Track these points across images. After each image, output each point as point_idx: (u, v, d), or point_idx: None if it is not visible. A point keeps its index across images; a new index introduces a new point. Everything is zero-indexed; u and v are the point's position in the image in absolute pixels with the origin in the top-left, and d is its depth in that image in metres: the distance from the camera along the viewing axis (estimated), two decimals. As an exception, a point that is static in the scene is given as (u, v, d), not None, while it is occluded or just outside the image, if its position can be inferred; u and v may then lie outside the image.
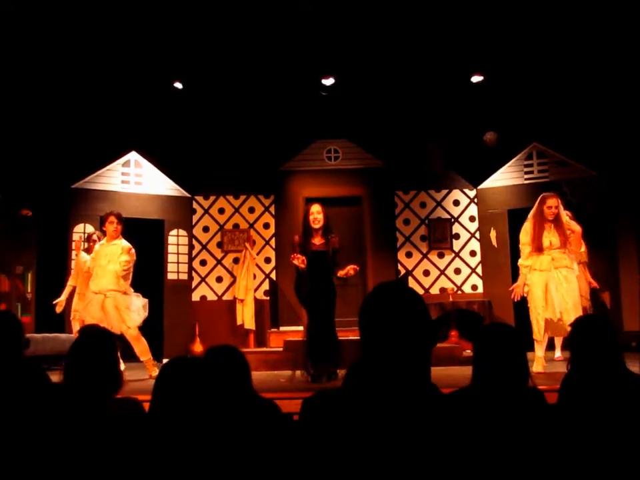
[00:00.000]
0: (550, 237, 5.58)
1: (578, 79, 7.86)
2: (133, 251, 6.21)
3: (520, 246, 5.79)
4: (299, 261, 5.45)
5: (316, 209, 5.59)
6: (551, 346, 6.76)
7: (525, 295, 5.72)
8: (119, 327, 5.88)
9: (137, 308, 6.11)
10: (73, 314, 6.90)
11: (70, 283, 7.10)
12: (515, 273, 8.20)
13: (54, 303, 6.89)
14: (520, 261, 5.75)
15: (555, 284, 5.49)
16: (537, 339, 5.53)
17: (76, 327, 6.73)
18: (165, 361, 8.95)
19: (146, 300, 6.27)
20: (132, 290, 6.22)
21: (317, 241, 5.59)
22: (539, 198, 5.75)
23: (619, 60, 7.38)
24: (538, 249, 5.60)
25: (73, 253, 7.84)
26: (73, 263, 7.38)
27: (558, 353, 6.78)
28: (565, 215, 5.81)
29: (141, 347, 6.02)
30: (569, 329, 5.18)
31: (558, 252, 5.58)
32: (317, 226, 5.56)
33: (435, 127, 9.15)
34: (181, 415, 1.96)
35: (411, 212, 9.82)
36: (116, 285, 6.03)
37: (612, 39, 7.08)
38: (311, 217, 5.56)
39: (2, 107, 7.48)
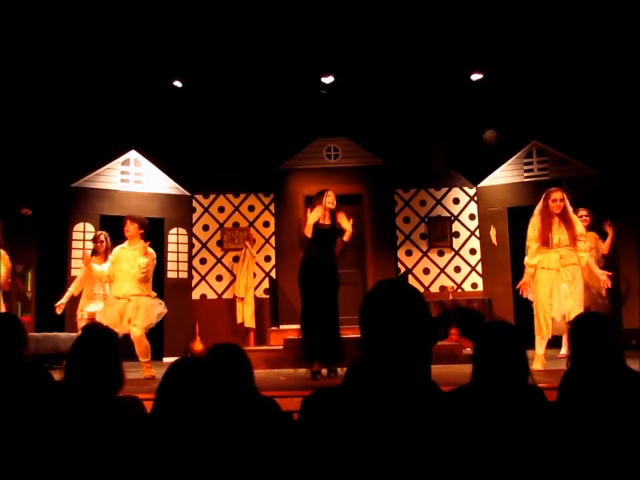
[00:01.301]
0: (559, 234, 5.50)
1: (578, 77, 7.85)
2: (151, 250, 6.18)
3: (527, 242, 5.68)
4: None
5: (332, 194, 5.97)
6: (556, 344, 6.75)
7: (531, 292, 5.69)
8: (127, 327, 5.90)
9: (153, 313, 6.10)
10: (80, 314, 6.83)
11: (71, 289, 7.01)
12: (515, 271, 8.22)
13: (56, 305, 6.88)
14: (526, 260, 5.64)
15: (563, 282, 5.43)
16: (541, 336, 5.49)
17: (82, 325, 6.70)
18: (165, 359, 8.99)
19: (165, 310, 6.25)
20: (155, 294, 6.23)
21: (326, 221, 5.88)
22: (544, 193, 5.72)
23: (618, 58, 7.37)
24: (545, 243, 5.52)
25: (77, 261, 7.73)
26: (80, 271, 7.26)
27: (563, 350, 6.73)
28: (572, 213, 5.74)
29: (142, 349, 5.99)
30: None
31: (566, 249, 5.50)
32: (330, 206, 5.88)
33: (434, 125, 9.15)
34: (184, 414, 1.96)
35: (410, 210, 9.82)
36: (139, 289, 6.03)
37: (612, 37, 7.08)
38: (328, 199, 5.89)
39: (2, 107, 7.48)
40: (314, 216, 5.79)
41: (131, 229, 6.14)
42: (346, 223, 5.83)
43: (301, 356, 5.87)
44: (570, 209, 5.65)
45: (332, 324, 5.70)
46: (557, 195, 5.58)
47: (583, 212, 6.80)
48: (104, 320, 5.86)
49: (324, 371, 5.74)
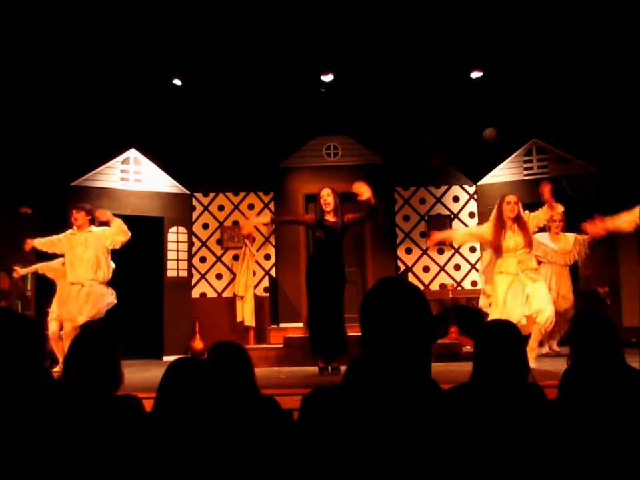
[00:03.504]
0: (514, 236, 5.51)
1: (578, 74, 7.84)
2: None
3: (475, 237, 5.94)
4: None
5: (326, 192, 5.94)
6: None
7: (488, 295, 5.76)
8: (75, 314, 5.85)
9: (102, 302, 6.05)
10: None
11: (40, 265, 6.98)
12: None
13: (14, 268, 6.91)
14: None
15: (520, 287, 5.43)
16: None
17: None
18: (165, 358, 8.96)
19: (115, 301, 6.20)
20: (108, 277, 6.20)
21: (330, 218, 5.91)
22: (498, 199, 5.74)
23: (618, 56, 7.36)
24: (497, 250, 5.54)
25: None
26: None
27: (545, 350, 6.73)
28: (528, 213, 5.69)
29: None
30: (545, 327, 5.28)
31: (523, 253, 5.51)
32: (328, 209, 5.89)
33: (434, 123, 9.14)
34: (184, 413, 1.96)
35: (410, 208, 9.82)
36: (94, 274, 6.04)
37: (612, 35, 7.07)
38: (322, 200, 5.91)
39: (2, 106, 7.47)
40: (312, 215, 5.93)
41: (79, 217, 6.17)
42: (365, 190, 5.85)
43: (308, 352, 5.93)
44: (525, 214, 5.65)
45: (336, 321, 5.72)
46: (510, 197, 5.60)
47: (556, 215, 6.72)
48: (65, 314, 5.83)
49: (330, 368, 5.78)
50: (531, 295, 5.39)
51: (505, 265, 5.51)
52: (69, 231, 6.30)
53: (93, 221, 6.27)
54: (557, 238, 6.92)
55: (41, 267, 7.02)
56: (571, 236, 6.99)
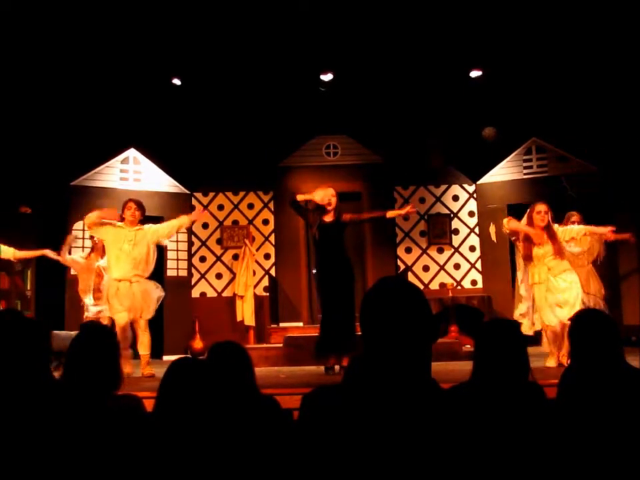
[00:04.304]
0: (544, 245, 5.64)
1: (578, 73, 7.85)
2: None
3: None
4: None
5: (331, 192, 6.00)
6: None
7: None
8: (138, 315, 5.81)
9: (155, 299, 6.01)
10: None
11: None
12: (514, 268, 8.22)
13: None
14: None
15: (558, 293, 5.55)
16: (550, 350, 5.70)
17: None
18: (165, 357, 8.95)
19: (163, 294, 6.13)
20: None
21: (328, 218, 5.96)
22: (529, 207, 5.84)
23: (618, 55, 7.36)
24: (527, 257, 5.64)
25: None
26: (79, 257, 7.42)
27: None
28: (557, 226, 5.82)
29: (147, 340, 5.89)
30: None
31: (552, 260, 5.61)
32: (329, 208, 5.94)
33: (434, 123, 9.14)
34: (185, 413, 1.96)
35: (410, 207, 9.81)
36: (142, 270, 5.94)
37: (612, 34, 7.07)
38: (326, 199, 5.95)
39: (1, 105, 7.47)
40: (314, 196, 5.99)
41: (137, 214, 6.06)
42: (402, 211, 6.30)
43: (314, 352, 5.93)
44: (554, 225, 5.78)
45: (346, 317, 5.73)
46: (541, 207, 5.68)
47: (574, 217, 6.80)
48: (117, 306, 5.72)
49: (337, 367, 5.79)
50: (561, 303, 5.50)
51: (537, 274, 5.64)
52: (118, 223, 6.10)
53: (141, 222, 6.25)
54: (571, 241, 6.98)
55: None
56: (577, 230, 7.02)
